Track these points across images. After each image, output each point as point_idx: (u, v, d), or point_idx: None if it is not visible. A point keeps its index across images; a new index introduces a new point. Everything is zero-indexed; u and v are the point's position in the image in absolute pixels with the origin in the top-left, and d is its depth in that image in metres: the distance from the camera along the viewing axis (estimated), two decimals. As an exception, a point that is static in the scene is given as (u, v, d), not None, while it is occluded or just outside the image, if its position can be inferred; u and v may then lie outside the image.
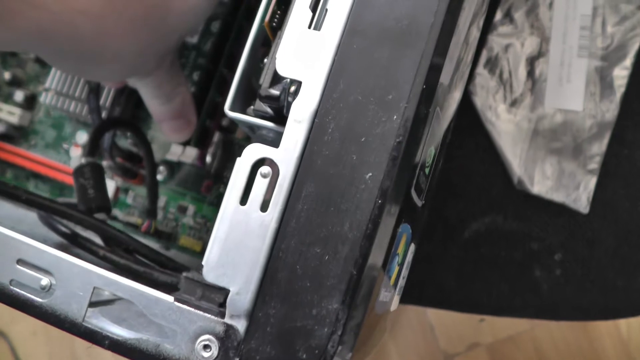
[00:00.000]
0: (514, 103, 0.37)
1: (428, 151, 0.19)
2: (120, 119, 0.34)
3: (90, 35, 0.22)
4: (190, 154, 0.35)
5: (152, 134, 0.37)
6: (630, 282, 0.36)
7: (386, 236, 0.17)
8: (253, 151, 0.17)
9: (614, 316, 0.38)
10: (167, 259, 0.29)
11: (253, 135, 0.24)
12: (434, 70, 0.18)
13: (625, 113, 0.36)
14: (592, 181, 0.35)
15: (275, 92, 0.19)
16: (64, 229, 0.28)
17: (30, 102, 0.40)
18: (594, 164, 0.36)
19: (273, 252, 0.17)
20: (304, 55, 0.18)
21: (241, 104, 0.22)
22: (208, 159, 0.35)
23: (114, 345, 0.17)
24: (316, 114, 0.17)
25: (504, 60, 0.38)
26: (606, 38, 0.36)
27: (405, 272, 0.22)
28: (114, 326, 0.18)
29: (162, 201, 0.37)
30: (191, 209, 0.37)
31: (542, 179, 0.36)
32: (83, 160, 0.30)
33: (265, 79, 0.20)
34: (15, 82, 0.40)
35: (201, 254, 0.37)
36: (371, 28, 0.18)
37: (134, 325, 0.18)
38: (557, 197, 0.36)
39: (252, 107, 0.22)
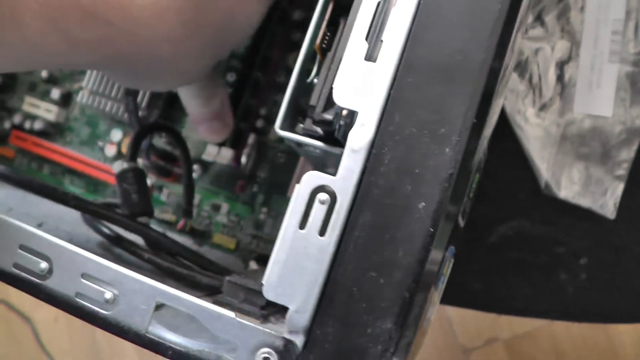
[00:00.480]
0: (543, 107, 0.38)
1: (475, 178, 0.20)
2: (159, 123, 0.35)
3: (167, 58, 0.23)
4: (225, 155, 0.37)
5: (186, 134, 0.38)
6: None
7: (436, 261, 0.18)
8: (312, 179, 0.18)
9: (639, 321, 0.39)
10: (209, 262, 0.31)
11: (298, 149, 0.25)
12: (484, 104, 0.18)
13: (654, 120, 0.37)
14: (620, 187, 0.36)
15: (329, 117, 0.20)
16: (108, 232, 0.30)
17: (66, 100, 0.42)
18: (622, 170, 0.36)
19: (331, 275, 0.18)
20: (360, 86, 0.19)
21: (289, 120, 0.23)
22: (243, 159, 0.37)
23: (177, 355, 0.19)
24: (373, 144, 0.18)
25: (534, 64, 0.39)
26: (639, 43, 0.37)
27: (442, 289, 0.23)
28: (177, 337, 0.19)
29: (196, 199, 0.38)
30: (225, 207, 0.38)
31: (569, 184, 0.37)
32: (125, 165, 0.31)
33: (319, 103, 0.21)
34: (52, 80, 0.42)
35: (235, 251, 0.38)
36: (425, 63, 0.18)
37: (195, 338, 0.19)
38: (584, 202, 0.37)
39: (301, 125, 0.23)
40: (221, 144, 0.37)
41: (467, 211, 0.21)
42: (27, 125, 0.41)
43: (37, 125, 0.41)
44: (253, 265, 0.35)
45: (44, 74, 0.41)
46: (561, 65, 0.38)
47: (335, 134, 0.21)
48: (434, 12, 0.19)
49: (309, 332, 0.18)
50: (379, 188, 0.18)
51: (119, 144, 0.40)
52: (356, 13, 0.20)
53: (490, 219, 0.38)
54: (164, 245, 0.29)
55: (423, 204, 0.18)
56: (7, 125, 0.42)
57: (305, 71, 0.25)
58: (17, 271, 0.21)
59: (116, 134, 0.40)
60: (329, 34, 0.23)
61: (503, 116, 0.39)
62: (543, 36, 0.39)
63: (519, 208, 0.38)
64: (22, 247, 0.21)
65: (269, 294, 0.18)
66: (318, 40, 0.22)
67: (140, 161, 0.38)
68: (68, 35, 0.21)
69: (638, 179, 0.37)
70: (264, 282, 0.18)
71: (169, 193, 0.39)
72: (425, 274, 0.18)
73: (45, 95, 0.42)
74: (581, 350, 0.76)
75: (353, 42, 0.19)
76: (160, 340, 0.19)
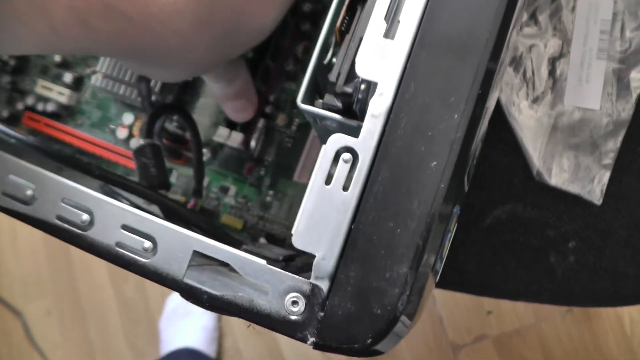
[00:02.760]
0: (535, 100, 0.41)
1: (478, 144, 0.23)
2: (174, 105, 0.38)
3: (175, 49, 0.26)
4: (236, 138, 0.39)
5: (197, 118, 0.41)
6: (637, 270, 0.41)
7: (445, 214, 0.21)
8: (337, 140, 0.21)
9: (623, 303, 0.42)
10: (224, 233, 0.33)
11: (315, 124, 0.28)
12: (488, 77, 0.22)
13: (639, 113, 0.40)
14: (606, 175, 0.40)
15: (349, 89, 0.23)
16: (126, 202, 0.32)
17: (77, 84, 0.44)
18: (609, 160, 0.40)
19: (353, 225, 0.21)
20: (379, 60, 0.22)
21: (309, 96, 0.26)
22: (252, 143, 0.39)
23: (212, 299, 0.22)
24: (390, 110, 0.21)
25: (528, 60, 0.42)
26: (624, 42, 0.40)
27: (447, 247, 0.26)
28: (212, 283, 0.22)
29: (205, 182, 0.41)
30: (232, 189, 0.41)
31: (559, 172, 0.40)
32: (142, 142, 0.34)
33: (340, 77, 0.24)
34: (64, 65, 0.44)
35: (242, 231, 0.41)
36: (436, 40, 0.21)
37: (229, 283, 0.22)
38: (573, 188, 0.40)
39: (320, 100, 0.26)
40: (232, 128, 0.40)
41: (471, 174, 0.24)
42: (40, 107, 0.43)
43: (50, 107, 0.43)
44: (263, 240, 0.38)
45: (57, 58, 0.44)
46: (553, 61, 0.42)
47: (353, 107, 0.24)
48: (445, -3, 0.22)
49: (333, 278, 0.21)
50: (396, 148, 0.21)
51: (130, 127, 0.42)
52: (374, -2, 0.23)
53: (486, 203, 0.41)
54: (182, 215, 0.32)
55: (435, 162, 0.21)
56: (20, 106, 0.44)
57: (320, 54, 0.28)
58: (60, 223, 0.23)
59: (128, 117, 0.43)
60: (347, 18, 0.26)
61: (498, 108, 0.42)
62: (536, 34, 0.42)
63: (513, 193, 0.41)
64: (64, 201, 0.24)
65: (298, 242, 0.21)
66: (338, 23, 0.25)
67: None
68: (89, 26, 0.24)
69: (623, 167, 0.40)
70: (292, 232, 0.21)
71: (179, 175, 0.42)
72: (435, 224, 0.20)
73: (57, 79, 0.44)
74: (567, 347, 0.80)
75: (373, 22, 0.22)
76: (197, 286, 0.22)
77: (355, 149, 0.21)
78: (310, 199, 0.21)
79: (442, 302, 0.78)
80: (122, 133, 0.43)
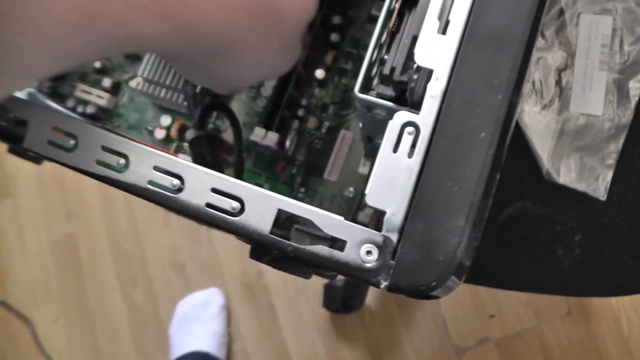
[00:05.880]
0: (544, 107, 0.47)
1: (513, 124, 0.28)
2: (222, 103, 0.43)
3: (235, 48, 0.31)
4: (272, 138, 0.44)
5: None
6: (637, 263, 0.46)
7: (492, 179, 0.26)
8: (402, 116, 0.26)
9: (622, 293, 0.47)
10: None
11: (366, 114, 0.32)
12: (524, 64, 0.27)
13: (638, 118, 0.46)
14: (609, 174, 0.45)
15: (404, 78, 0.29)
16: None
17: (116, 89, 0.49)
18: (611, 160, 0.45)
19: (417, 186, 0.26)
20: (435, 51, 0.27)
21: (362, 88, 0.31)
22: (287, 143, 0.44)
23: (296, 251, 0.26)
24: (446, 91, 0.26)
25: (537, 71, 0.48)
26: (623, 55, 0.47)
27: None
28: (295, 237, 0.26)
29: (240, 179, 0.45)
30: (266, 187, 0.45)
31: (567, 172, 0.46)
32: (196, 134, 0.38)
33: (397, 68, 0.29)
34: (103, 71, 0.49)
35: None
36: (481, 34, 0.27)
37: (311, 237, 0.26)
38: (580, 186, 0.46)
39: (373, 90, 0.31)
40: (268, 128, 0.44)
41: (508, 145, 0.29)
42: (80, 109, 0.48)
43: (89, 110, 0.48)
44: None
45: (97, 64, 0.48)
46: (559, 72, 0.48)
47: (406, 95, 0.29)
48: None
49: (402, 230, 0.25)
50: (451, 122, 0.26)
51: (168, 128, 0.47)
52: (425, 2, 0.29)
53: (500, 201, 0.46)
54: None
55: (484, 133, 0.26)
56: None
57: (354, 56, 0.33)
58: (152, 187, 0.28)
59: (165, 119, 0.47)
60: (397, 20, 0.31)
61: (509, 114, 0.47)
62: (544, 47, 0.48)
63: (524, 191, 0.46)
64: (155, 168, 0.28)
65: (371, 201, 0.26)
66: (390, 24, 0.30)
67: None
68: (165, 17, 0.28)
69: (624, 168, 0.46)
70: (366, 192, 0.26)
71: (214, 173, 0.46)
72: (485, 185, 0.25)
73: (96, 84, 0.49)
74: (566, 349, 0.85)
75: (428, 20, 0.27)
76: (282, 240, 0.26)
77: (418, 123, 0.26)
78: (380, 165, 0.26)
79: (446, 306, 0.83)
80: (160, 134, 0.47)
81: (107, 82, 0.48)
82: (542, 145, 0.46)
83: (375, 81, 0.32)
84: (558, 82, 0.47)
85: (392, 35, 0.31)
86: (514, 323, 0.86)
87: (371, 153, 0.40)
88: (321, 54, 0.46)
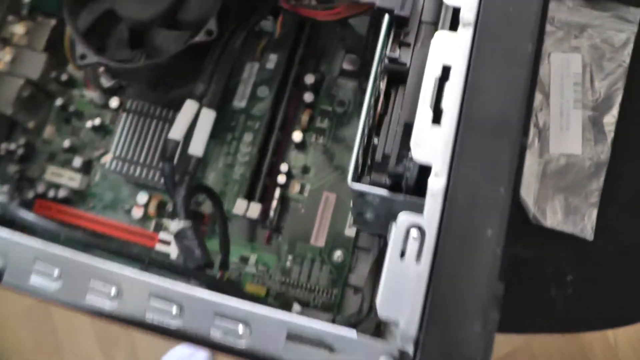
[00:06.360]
0: (523, 149, 0.47)
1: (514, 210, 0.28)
2: (204, 186, 0.41)
3: None
4: (254, 209, 0.43)
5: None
6: (627, 293, 0.47)
7: (502, 272, 0.26)
8: (406, 218, 0.25)
9: (612, 326, 0.48)
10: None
11: (359, 199, 0.32)
12: (522, 151, 0.26)
13: (615, 153, 0.46)
14: (594, 212, 0.46)
15: (400, 170, 0.28)
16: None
17: (87, 167, 0.47)
18: (594, 198, 0.46)
19: (428, 292, 0.25)
20: (431, 145, 0.26)
21: (355, 175, 0.30)
22: (271, 213, 0.43)
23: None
24: (447, 188, 0.26)
25: (512, 112, 0.48)
26: (595, 92, 0.47)
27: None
28: (308, 355, 0.25)
29: (225, 252, 0.44)
30: (252, 258, 0.44)
31: (553, 214, 0.46)
32: (182, 224, 0.37)
33: (391, 159, 0.28)
34: (73, 149, 0.47)
35: (266, 297, 0.44)
36: (478, 123, 0.26)
37: (323, 355, 0.25)
38: (567, 228, 0.46)
39: (368, 177, 0.30)
40: (250, 200, 0.43)
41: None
42: (51, 194, 0.46)
43: (61, 193, 0.46)
44: (297, 307, 0.41)
45: (66, 143, 0.46)
46: (535, 113, 0.48)
47: (401, 184, 0.29)
48: (477, 85, 0.27)
49: (417, 341, 0.25)
50: (456, 221, 0.25)
51: (145, 206, 0.45)
52: (413, 86, 0.28)
53: (490, 249, 0.46)
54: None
55: (490, 230, 0.25)
56: (30, 194, 0.46)
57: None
58: (151, 317, 0.26)
59: (142, 197, 0.45)
60: (383, 101, 0.30)
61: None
62: (516, 88, 0.48)
63: (512, 236, 0.46)
64: (151, 294, 0.27)
65: (383, 311, 0.25)
66: (379, 109, 0.30)
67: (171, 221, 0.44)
68: None
69: (606, 199, 0.46)
70: (377, 303, 0.25)
71: (198, 248, 0.45)
72: (496, 285, 0.25)
73: (65, 164, 0.46)
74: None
75: (421, 110, 0.27)
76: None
77: (423, 225, 0.25)
78: (388, 273, 0.25)
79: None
80: (137, 213, 0.45)
81: (77, 161, 0.46)
82: (527, 190, 0.46)
83: (367, 168, 0.31)
84: (536, 123, 0.47)
85: (380, 117, 0.30)
86: (505, 344, 0.87)
87: (360, 224, 0.39)
88: (296, 114, 0.45)
